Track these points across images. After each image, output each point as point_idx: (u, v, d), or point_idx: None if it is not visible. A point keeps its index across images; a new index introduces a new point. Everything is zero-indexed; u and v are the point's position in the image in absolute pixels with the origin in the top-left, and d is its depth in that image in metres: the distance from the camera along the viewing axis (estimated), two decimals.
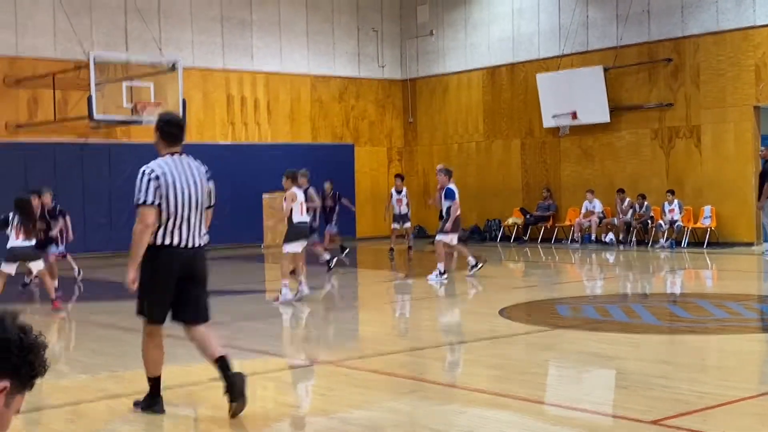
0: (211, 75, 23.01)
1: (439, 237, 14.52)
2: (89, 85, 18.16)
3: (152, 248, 6.02)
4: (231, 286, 15.01)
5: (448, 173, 14.68)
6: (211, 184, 6.28)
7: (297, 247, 12.28)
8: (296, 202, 12.29)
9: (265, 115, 24.06)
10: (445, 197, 14.43)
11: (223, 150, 22.85)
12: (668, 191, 20.31)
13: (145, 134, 21.34)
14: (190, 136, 22.43)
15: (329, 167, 24.67)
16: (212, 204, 6.33)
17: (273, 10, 24.06)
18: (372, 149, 26.13)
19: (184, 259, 6.08)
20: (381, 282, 15.92)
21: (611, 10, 21.77)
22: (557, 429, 5.84)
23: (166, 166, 6.03)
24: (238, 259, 19.90)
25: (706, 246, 19.64)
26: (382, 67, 26.21)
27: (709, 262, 17.83)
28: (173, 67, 19.16)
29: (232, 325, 10.68)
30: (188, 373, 8.04)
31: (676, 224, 20.03)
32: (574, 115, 22.20)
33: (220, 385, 6.19)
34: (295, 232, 12.25)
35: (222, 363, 6.20)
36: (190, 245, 6.08)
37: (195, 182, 6.09)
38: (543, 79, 22.78)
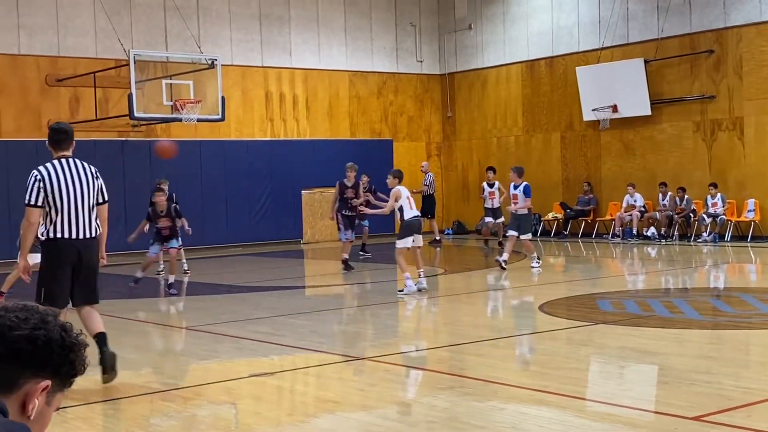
0: (250, 72, 23.13)
1: (524, 237, 15.32)
2: (129, 83, 18.33)
3: (48, 242, 7.00)
4: (271, 282, 15.09)
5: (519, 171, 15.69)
6: (100, 182, 7.08)
7: (409, 242, 12.61)
8: (402, 198, 12.65)
9: (304, 112, 24.14)
10: (525, 194, 15.26)
11: (262, 146, 22.98)
12: (711, 184, 20.03)
13: (185, 132, 21.56)
14: (229, 133, 22.63)
15: (367, 163, 24.70)
16: (104, 200, 7.14)
17: (311, 7, 24.12)
18: (410, 144, 26.11)
19: (76, 250, 6.91)
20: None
21: (652, 2, 21.51)
22: (598, 425, 5.79)
23: (52, 168, 6.94)
24: (277, 256, 20.00)
25: (750, 240, 19.35)
26: (420, 61, 26.16)
27: (753, 256, 17.56)
28: (212, 65, 19.28)
29: (272, 321, 10.74)
30: (227, 369, 8.09)
31: (719, 218, 19.75)
32: (615, 108, 21.98)
33: (259, 381, 6.23)
34: (406, 228, 12.67)
35: (100, 338, 7.02)
36: (81, 237, 6.91)
37: (81, 182, 6.93)
38: (583, 72, 22.59)
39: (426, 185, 22.31)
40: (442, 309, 11.96)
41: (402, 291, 12.37)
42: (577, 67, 22.73)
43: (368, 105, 25.25)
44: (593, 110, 22.34)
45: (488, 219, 19.88)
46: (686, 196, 20.45)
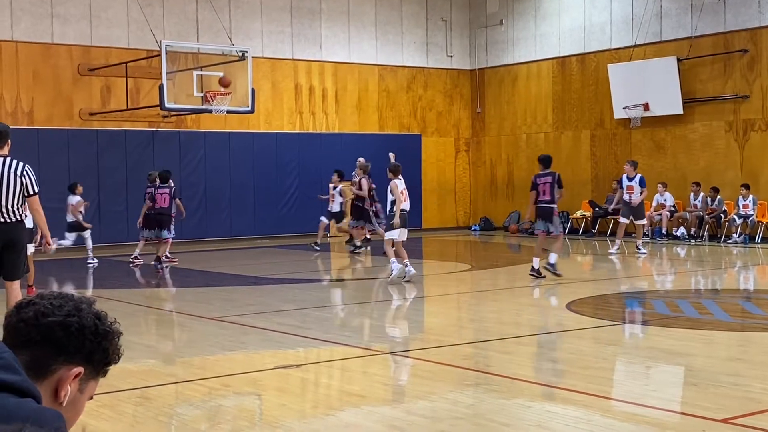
0: (280, 64, 23.18)
1: (638, 222, 17.81)
2: (161, 74, 18.43)
3: None
4: (298, 275, 15.13)
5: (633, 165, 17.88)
6: (25, 180, 7.93)
7: (395, 234, 13.20)
8: (397, 191, 13.13)
9: (333, 105, 24.15)
10: (641, 185, 17.34)
11: (291, 139, 23.03)
12: (742, 185, 19.82)
13: (215, 123, 21.65)
14: (258, 125, 22.69)
15: (396, 157, 24.68)
16: (32, 193, 7.99)
17: (342, 0, 24.11)
18: (439, 140, 26.05)
19: (2, 231, 7.94)
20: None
21: (686, 0, 21.30)
22: (625, 425, 5.74)
23: None
24: (304, 249, 20.02)
25: None
26: (451, 56, 26.08)
27: None
28: (243, 57, 19.33)
29: (297, 314, 10.76)
30: (253, 360, 8.12)
31: (750, 219, 19.55)
32: (647, 107, 21.80)
33: (285, 373, 6.24)
34: (396, 219, 13.15)
35: None
36: (7, 221, 7.93)
37: (8, 178, 7.89)
38: (615, 70, 22.42)
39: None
40: (468, 305, 11.93)
41: (390, 277, 13.08)
42: (608, 65, 22.56)
43: (397, 99, 25.22)
44: (624, 108, 22.17)
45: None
46: (718, 197, 20.24)
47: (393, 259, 13.14)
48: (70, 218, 16.55)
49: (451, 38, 26.03)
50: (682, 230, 20.69)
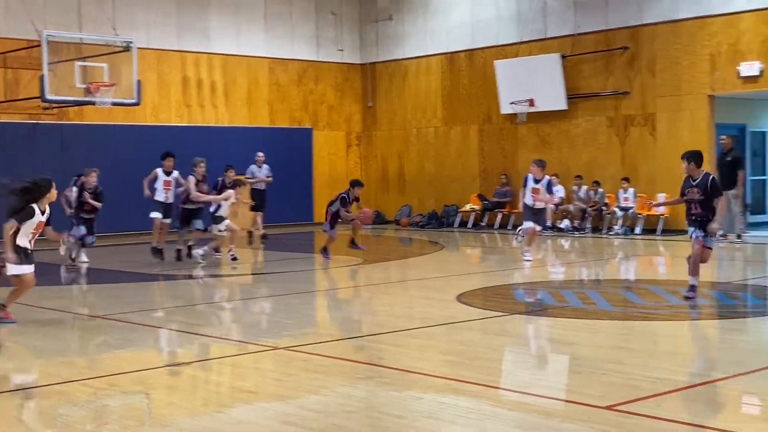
0: (167, 56, 22.71)
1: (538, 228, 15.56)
2: (41, 64, 17.82)
3: None
4: (184, 272, 14.86)
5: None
6: None
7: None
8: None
9: (222, 98, 23.83)
10: (549, 191, 15.42)
11: (179, 132, 22.58)
12: (623, 179, 20.53)
13: (99, 115, 21.05)
14: (144, 118, 22.20)
15: (287, 151, 24.54)
16: None
17: None
18: (330, 134, 26.03)
19: None
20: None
21: None
22: (513, 414, 5.86)
23: None
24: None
25: (660, 233, 19.87)
26: (341, 51, 26.08)
27: (662, 249, 18.03)
28: (127, 48, 18.87)
29: (188, 311, 10.58)
30: (141, 359, 7.94)
31: (630, 211, 20.26)
32: (532, 102, 22.29)
33: (174, 371, 6.12)
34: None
35: None
36: None
37: None
38: (501, 66, 22.84)
39: (253, 178, 19.88)
40: (360, 299, 11.96)
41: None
42: (495, 61, 22.96)
43: (288, 93, 25.07)
44: (511, 104, 22.61)
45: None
46: (600, 190, 20.89)
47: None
48: None
49: (341, 32, 26.02)
50: (566, 222, 21.26)
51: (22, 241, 9.24)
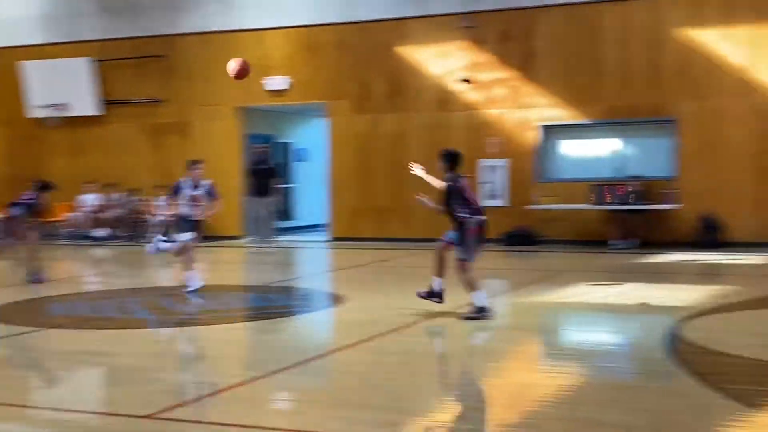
0: None
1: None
2: None
3: None
4: None
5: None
6: None
7: None
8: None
9: None
10: (211, 195, 12.23)
11: None
12: (158, 186, 20.55)
13: None
14: None
15: None
16: None
17: None
18: None
19: None
20: None
21: (102, 2, 21.43)
22: None
23: None
24: None
25: (208, 239, 20.18)
26: None
27: (203, 254, 18.35)
28: None
29: None
30: None
31: (162, 219, 20.39)
32: (64, 107, 21.48)
33: None
34: None
35: None
36: None
37: None
38: (29, 67, 21.67)
39: None
40: None
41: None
42: (23, 61, 21.73)
43: None
44: (42, 107, 21.56)
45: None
46: (136, 198, 20.72)
47: None
48: None
49: None
50: (103, 231, 20.75)
51: None
